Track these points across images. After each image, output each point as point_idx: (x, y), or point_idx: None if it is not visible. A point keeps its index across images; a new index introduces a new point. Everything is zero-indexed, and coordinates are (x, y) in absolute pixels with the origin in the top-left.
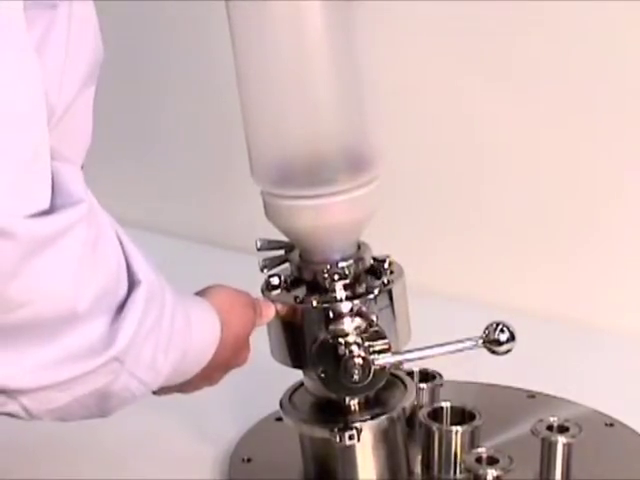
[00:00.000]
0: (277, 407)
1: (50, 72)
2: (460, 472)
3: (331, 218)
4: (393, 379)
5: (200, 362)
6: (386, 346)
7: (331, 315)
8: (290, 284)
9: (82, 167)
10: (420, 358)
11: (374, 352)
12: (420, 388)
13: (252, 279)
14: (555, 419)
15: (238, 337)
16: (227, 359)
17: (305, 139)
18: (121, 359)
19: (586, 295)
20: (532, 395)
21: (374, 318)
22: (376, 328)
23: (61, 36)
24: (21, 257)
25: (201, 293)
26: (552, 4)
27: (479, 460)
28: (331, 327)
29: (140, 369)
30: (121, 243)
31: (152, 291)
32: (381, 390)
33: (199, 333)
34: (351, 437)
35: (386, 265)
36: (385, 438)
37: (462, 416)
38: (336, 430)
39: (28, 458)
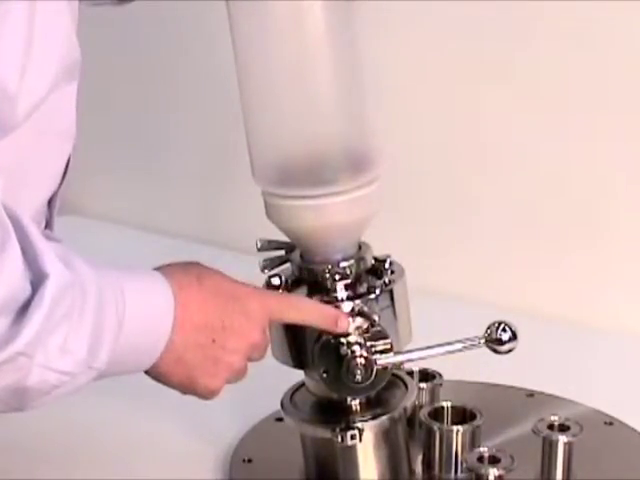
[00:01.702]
0: (278, 407)
1: (5, 59)
2: (461, 471)
3: (332, 218)
4: (394, 379)
5: (153, 332)
6: (388, 346)
7: None
8: (291, 284)
9: (69, 160)
10: (422, 358)
11: (376, 352)
12: (420, 388)
13: (253, 279)
14: (556, 418)
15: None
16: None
17: (306, 139)
18: (28, 354)
19: (586, 295)
20: (532, 394)
21: (376, 318)
22: (378, 328)
23: (18, 25)
24: None
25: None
26: (553, 5)
27: (481, 459)
28: None
29: (56, 360)
30: (27, 237)
31: (63, 282)
32: (382, 390)
33: (139, 308)
34: (353, 437)
35: (387, 265)
36: (386, 438)
37: (463, 416)
38: (338, 430)
39: (27, 458)
